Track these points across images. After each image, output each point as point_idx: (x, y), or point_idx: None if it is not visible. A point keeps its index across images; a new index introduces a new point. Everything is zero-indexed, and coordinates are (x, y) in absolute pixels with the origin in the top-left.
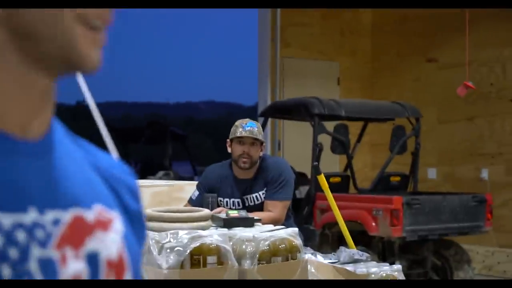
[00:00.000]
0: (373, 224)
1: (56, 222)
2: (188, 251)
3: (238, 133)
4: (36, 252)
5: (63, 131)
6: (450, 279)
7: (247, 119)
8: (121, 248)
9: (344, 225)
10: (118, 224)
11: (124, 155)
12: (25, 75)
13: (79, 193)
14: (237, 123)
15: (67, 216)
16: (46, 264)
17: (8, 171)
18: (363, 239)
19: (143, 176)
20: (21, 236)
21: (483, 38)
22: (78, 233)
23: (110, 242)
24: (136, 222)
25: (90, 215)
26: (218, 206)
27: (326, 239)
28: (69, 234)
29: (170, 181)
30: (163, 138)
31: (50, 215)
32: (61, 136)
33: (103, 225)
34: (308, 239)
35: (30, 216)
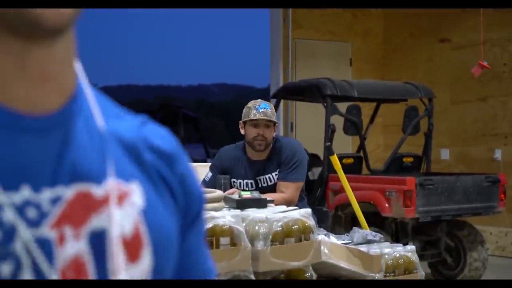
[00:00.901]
0: (386, 205)
1: (55, 200)
2: None
3: (252, 115)
4: (24, 232)
5: (96, 100)
6: (463, 260)
7: (259, 100)
8: (138, 223)
9: (357, 206)
10: (136, 197)
11: None
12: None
13: (88, 168)
14: (249, 104)
15: (69, 192)
16: (39, 245)
17: (4, 148)
18: (376, 220)
19: None
20: (7, 216)
21: (496, 17)
22: (81, 210)
23: (124, 217)
24: (172, 192)
25: (99, 190)
26: (231, 187)
27: (339, 221)
28: (70, 211)
29: None
30: (175, 120)
31: (47, 193)
32: (85, 106)
33: (117, 199)
34: (321, 221)
35: (22, 194)
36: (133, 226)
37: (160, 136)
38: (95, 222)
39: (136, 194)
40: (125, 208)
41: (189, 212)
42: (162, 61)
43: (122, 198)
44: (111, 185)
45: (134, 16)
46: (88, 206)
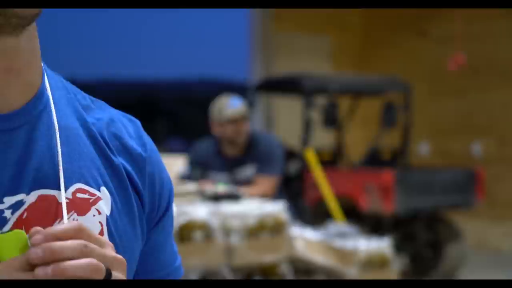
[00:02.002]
0: (364, 199)
1: (16, 205)
2: (176, 227)
3: (224, 115)
4: None
5: (62, 94)
6: (441, 254)
7: (227, 97)
8: (101, 230)
9: (332, 199)
10: (102, 204)
11: None
12: None
13: (52, 173)
14: (218, 102)
15: (31, 198)
16: None
17: None
18: (354, 215)
19: None
20: None
21: (474, 11)
22: (43, 215)
23: (87, 223)
24: (139, 194)
25: (62, 195)
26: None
27: (317, 215)
28: (30, 216)
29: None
30: (154, 114)
31: (8, 199)
32: (49, 105)
33: (80, 206)
34: (299, 215)
35: None
36: (97, 232)
37: (132, 135)
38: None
39: (103, 200)
40: (90, 214)
41: (156, 209)
42: (142, 55)
43: (88, 204)
44: (76, 190)
45: (114, 9)
46: (51, 211)
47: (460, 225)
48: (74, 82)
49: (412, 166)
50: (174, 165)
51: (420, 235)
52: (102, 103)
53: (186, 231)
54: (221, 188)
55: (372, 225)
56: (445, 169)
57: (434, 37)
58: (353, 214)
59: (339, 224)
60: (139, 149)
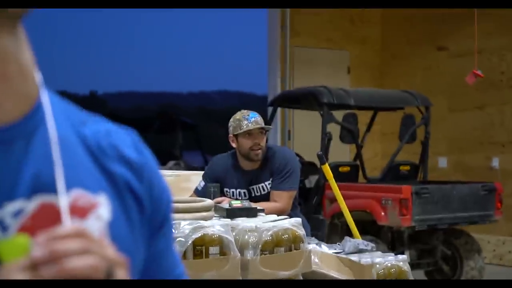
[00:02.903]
0: (382, 213)
1: (18, 212)
2: (190, 242)
3: (245, 127)
4: None
5: (59, 107)
6: (460, 268)
7: (246, 111)
8: (102, 236)
9: (349, 214)
10: (103, 210)
11: None
12: None
13: (52, 180)
14: (238, 117)
15: (31, 205)
16: None
17: None
18: (372, 229)
19: None
20: None
21: (493, 26)
22: (44, 222)
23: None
24: (139, 202)
25: (63, 201)
26: (223, 196)
27: (335, 229)
28: (32, 223)
29: (177, 171)
30: (174, 128)
31: (9, 207)
32: (47, 114)
33: (80, 211)
34: (317, 229)
35: None
36: None
37: (129, 144)
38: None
39: (103, 206)
40: (90, 220)
41: (156, 217)
42: (163, 68)
43: (87, 210)
44: (77, 196)
45: (135, 23)
46: (52, 217)
47: (479, 240)
48: (95, 95)
49: (431, 181)
50: (193, 180)
51: (438, 249)
52: (97, 117)
53: (201, 247)
54: (236, 204)
55: (390, 239)
56: (464, 183)
57: (453, 51)
58: (371, 228)
59: (356, 240)
60: (136, 157)
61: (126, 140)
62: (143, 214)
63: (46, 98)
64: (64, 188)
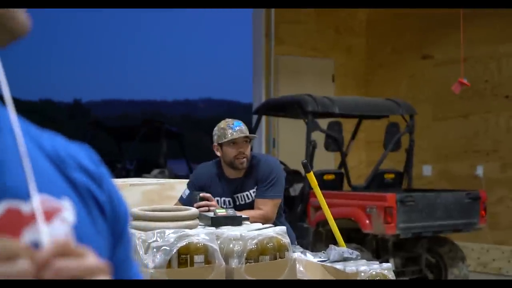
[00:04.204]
0: (367, 221)
1: None
2: (175, 250)
3: (229, 136)
4: None
5: (16, 120)
6: (444, 276)
7: (230, 120)
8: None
9: (334, 222)
10: (67, 213)
11: (120, 153)
12: None
13: (15, 185)
14: (222, 125)
15: None
16: None
17: None
18: (357, 237)
19: (138, 174)
20: None
21: (478, 34)
22: (11, 226)
23: (53, 233)
24: (101, 209)
25: (28, 206)
26: None
27: (320, 237)
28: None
29: (161, 179)
30: (158, 136)
31: None
32: (7, 124)
33: (45, 215)
34: (302, 237)
35: None
36: None
37: (86, 156)
38: (27, 236)
39: (67, 210)
40: (55, 223)
41: (116, 227)
42: (148, 76)
43: (52, 214)
44: (41, 200)
45: (119, 30)
46: (18, 222)
47: (463, 248)
48: (80, 103)
49: (415, 189)
50: (177, 189)
51: (423, 257)
52: (52, 132)
53: (186, 255)
54: (220, 212)
55: (375, 247)
56: (448, 191)
57: (437, 60)
58: (356, 236)
59: (341, 248)
60: (94, 168)
61: (82, 153)
62: (106, 221)
63: (9, 105)
64: (27, 194)
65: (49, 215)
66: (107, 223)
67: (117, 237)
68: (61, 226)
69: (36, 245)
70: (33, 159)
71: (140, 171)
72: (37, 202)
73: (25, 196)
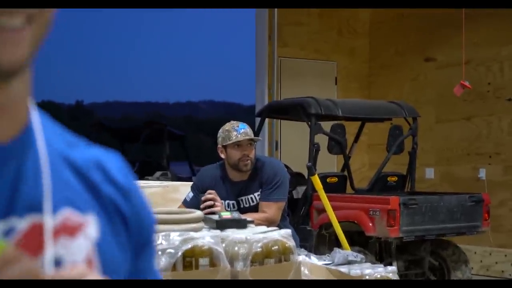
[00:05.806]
0: (370, 224)
1: (9, 231)
2: (180, 253)
3: (234, 138)
4: None
5: (48, 130)
6: (447, 279)
7: (235, 122)
8: (91, 255)
9: (338, 225)
10: (91, 229)
11: (122, 155)
12: None
13: (41, 199)
14: (227, 128)
15: (23, 223)
16: None
17: None
18: (360, 240)
19: (141, 176)
20: None
21: (481, 37)
22: (36, 240)
23: (76, 248)
24: (126, 222)
25: (52, 220)
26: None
27: (323, 240)
28: (25, 242)
29: (165, 182)
30: (161, 138)
31: (1, 226)
32: (37, 137)
33: (70, 230)
34: (305, 240)
35: None
36: (86, 257)
37: (118, 168)
38: (51, 251)
39: (91, 226)
40: (79, 238)
41: (140, 239)
42: (150, 78)
43: (75, 229)
44: (65, 215)
45: (121, 32)
46: (43, 236)
47: (466, 251)
48: (82, 104)
49: (418, 192)
50: (181, 191)
51: (426, 260)
52: (85, 142)
53: (191, 258)
54: (225, 215)
55: (378, 250)
56: (452, 194)
57: (441, 62)
58: (359, 239)
59: (345, 252)
60: (124, 181)
61: (113, 164)
62: (130, 235)
63: (37, 120)
64: (51, 209)
65: (73, 230)
66: (130, 236)
67: (140, 248)
68: (84, 242)
69: (58, 261)
70: (61, 172)
71: (143, 174)
72: (50, 222)
73: (50, 210)
